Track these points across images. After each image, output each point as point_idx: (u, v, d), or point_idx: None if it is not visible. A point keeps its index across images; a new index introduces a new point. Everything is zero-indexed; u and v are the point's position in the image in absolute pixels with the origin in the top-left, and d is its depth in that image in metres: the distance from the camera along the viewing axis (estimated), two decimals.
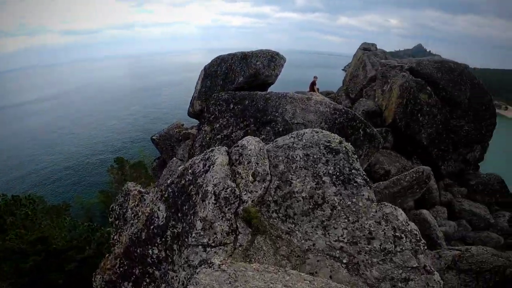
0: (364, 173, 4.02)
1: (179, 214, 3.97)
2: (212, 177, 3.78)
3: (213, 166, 3.89)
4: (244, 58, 9.49)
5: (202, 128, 8.96)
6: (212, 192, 3.65)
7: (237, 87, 9.44)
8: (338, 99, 16.78)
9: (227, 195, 3.68)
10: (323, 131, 4.44)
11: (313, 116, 7.21)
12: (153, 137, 15.42)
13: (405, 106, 11.01)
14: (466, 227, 10.51)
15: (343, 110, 7.39)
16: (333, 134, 4.31)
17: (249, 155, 4.05)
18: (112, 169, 32.48)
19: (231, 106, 8.39)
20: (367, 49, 16.98)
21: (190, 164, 4.36)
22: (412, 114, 11.13)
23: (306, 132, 4.34)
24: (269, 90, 11.39)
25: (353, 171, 3.93)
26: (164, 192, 4.44)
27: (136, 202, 5.44)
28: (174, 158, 12.45)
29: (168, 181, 4.54)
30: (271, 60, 9.19)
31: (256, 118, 7.72)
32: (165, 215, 4.20)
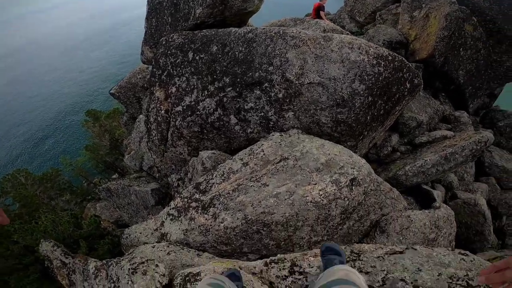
0: None
1: None
2: None
3: None
4: None
5: (154, 92, 5.64)
6: None
7: (197, 23, 5.84)
8: (339, 23, 13.10)
9: None
10: None
11: (339, 69, 3.95)
12: (111, 91, 12.30)
13: (449, 39, 8.24)
14: (494, 188, 8.30)
15: (390, 58, 4.13)
16: None
17: None
18: (87, 123, 29.13)
19: (190, 55, 5.04)
20: None
21: None
22: (454, 48, 8.48)
23: None
24: (250, 23, 7.69)
25: None
26: None
27: None
28: (141, 116, 9.68)
29: None
30: None
31: (234, 75, 4.45)
32: None
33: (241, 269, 2.53)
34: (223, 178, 3.35)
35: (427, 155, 5.88)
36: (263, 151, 3.47)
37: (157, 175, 6.84)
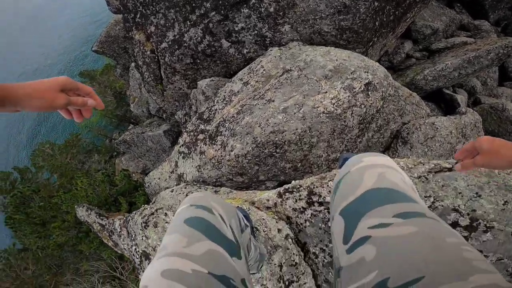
0: None
1: None
2: None
3: None
4: None
5: (133, 37, 5.20)
6: None
7: None
8: None
9: None
10: None
11: None
12: (93, 49, 11.92)
13: None
14: None
15: None
16: None
17: None
18: (84, 84, 28.80)
19: None
20: None
21: None
22: None
23: None
24: None
25: None
26: None
27: None
28: (133, 63, 9.32)
29: None
30: None
31: None
32: None
33: (254, 204, 2.20)
34: (225, 102, 3.05)
35: (448, 59, 5.42)
36: (262, 67, 3.10)
37: (164, 115, 6.65)
